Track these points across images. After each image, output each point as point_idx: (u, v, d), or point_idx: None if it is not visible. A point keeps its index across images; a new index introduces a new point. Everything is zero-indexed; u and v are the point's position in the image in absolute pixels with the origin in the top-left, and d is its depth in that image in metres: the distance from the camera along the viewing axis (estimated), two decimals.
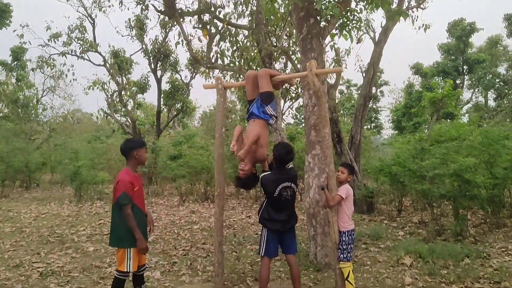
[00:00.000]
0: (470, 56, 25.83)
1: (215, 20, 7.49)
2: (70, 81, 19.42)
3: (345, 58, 12.58)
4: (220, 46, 7.61)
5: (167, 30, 16.27)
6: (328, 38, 6.16)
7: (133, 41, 16.86)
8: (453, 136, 12.89)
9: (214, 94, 4.91)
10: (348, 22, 5.63)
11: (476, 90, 29.30)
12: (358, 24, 5.83)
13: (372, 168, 10.54)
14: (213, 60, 7.63)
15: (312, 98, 5.40)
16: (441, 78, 26.04)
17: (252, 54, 8.52)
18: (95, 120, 31.25)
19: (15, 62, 24.41)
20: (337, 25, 5.89)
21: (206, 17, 7.56)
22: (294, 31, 6.79)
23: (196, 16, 7.67)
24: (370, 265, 5.67)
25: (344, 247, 4.20)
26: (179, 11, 7.32)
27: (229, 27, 7.62)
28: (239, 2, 7.77)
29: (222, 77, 10.54)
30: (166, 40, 17.13)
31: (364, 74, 11.17)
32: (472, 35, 25.61)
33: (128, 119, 18.29)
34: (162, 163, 14.14)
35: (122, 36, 16.91)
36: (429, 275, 5.13)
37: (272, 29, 10.17)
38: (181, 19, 7.47)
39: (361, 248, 6.55)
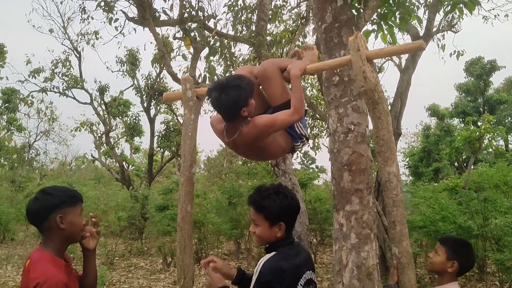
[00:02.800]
0: (492, 96, 24.05)
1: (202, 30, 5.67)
2: (49, 120, 17.74)
3: None
4: (210, 61, 5.75)
5: (161, 65, 14.71)
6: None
7: (124, 77, 15.31)
8: (498, 182, 10.81)
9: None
10: (393, 9, 3.70)
11: (495, 133, 27.42)
12: (408, 15, 3.90)
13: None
14: (199, 80, 5.73)
15: (342, 120, 3.28)
16: (460, 119, 24.16)
17: None
18: (99, 167, 29.51)
19: (6, 104, 22.94)
20: (375, 15, 3.97)
21: (193, 26, 5.78)
22: (312, 22, 4.91)
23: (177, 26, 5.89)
24: None
25: None
26: (155, 15, 5.53)
27: (222, 38, 5.80)
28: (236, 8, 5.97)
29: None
30: (161, 76, 15.57)
31: (390, 107, 9.27)
32: (493, 73, 23.93)
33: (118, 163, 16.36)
34: (150, 215, 11.95)
35: (112, 71, 15.39)
36: None
37: (277, 52, 8.42)
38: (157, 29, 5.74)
39: None
